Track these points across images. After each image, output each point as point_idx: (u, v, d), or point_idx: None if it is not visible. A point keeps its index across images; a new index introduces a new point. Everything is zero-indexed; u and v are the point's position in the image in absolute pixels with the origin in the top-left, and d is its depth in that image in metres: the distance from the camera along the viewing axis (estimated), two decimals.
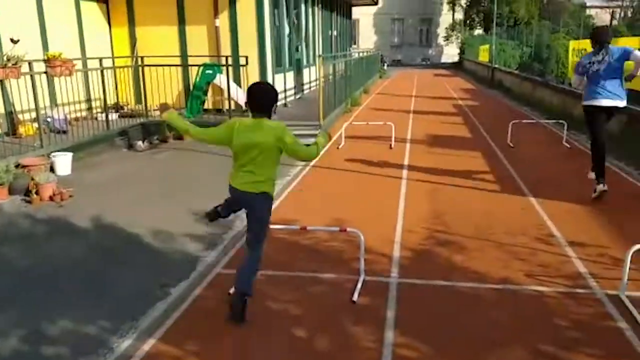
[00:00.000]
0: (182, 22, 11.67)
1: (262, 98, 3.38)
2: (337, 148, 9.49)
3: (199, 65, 11.03)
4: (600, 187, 5.99)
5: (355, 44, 37.14)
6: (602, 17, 49.71)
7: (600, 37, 5.98)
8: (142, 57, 10.97)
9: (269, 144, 3.32)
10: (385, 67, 32.60)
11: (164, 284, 4.15)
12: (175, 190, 6.93)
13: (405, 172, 7.67)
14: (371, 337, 3.33)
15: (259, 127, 3.33)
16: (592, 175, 6.34)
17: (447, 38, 41.34)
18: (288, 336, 3.38)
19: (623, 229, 5.18)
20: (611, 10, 50.75)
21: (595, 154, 6.19)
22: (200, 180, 7.52)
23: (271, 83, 12.01)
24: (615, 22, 46.52)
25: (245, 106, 4.62)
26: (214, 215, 3.92)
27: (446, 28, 41.38)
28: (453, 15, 41.30)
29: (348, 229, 4.32)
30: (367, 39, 39.48)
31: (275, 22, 12.61)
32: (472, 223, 5.42)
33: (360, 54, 22.01)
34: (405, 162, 8.29)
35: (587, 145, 9.17)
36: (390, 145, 9.46)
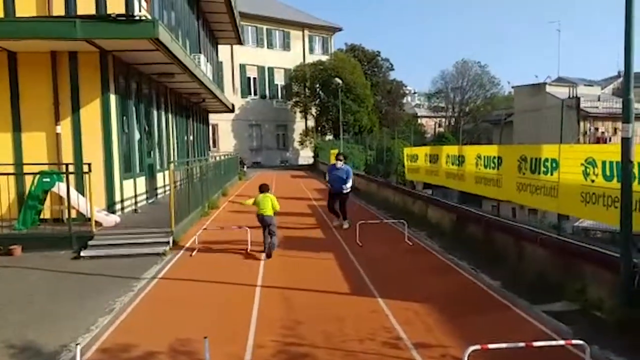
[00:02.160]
0: (17, 128, 10.81)
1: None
2: (190, 256, 9.09)
3: (35, 173, 10.11)
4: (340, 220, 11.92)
5: (215, 147, 37.59)
6: (430, 125, 57.20)
7: (339, 156, 12.28)
8: None
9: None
10: (245, 169, 33.18)
11: None
12: None
13: (260, 279, 7.53)
14: None
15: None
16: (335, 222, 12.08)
17: (301, 142, 43.89)
18: None
19: (462, 326, 5.52)
20: (438, 119, 58.78)
21: (332, 212, 12.24)
22: (23, 303, 6.55)
23: (118, 189, 11.46)
24: (441, 129, 53.70)
25: None
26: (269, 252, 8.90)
27: (300, 134, 44.09)
28: (306, 122, 44.36)
29: None
30: (227, 143, 40.27)
31: (124, 128, 12.27)
32: (324, 331, 5.37)
33: (219, 157, 22.19)
34: (261, 268, 8.18)
35: (426, 241, 10.04)
36: (247, 249, 9.33)
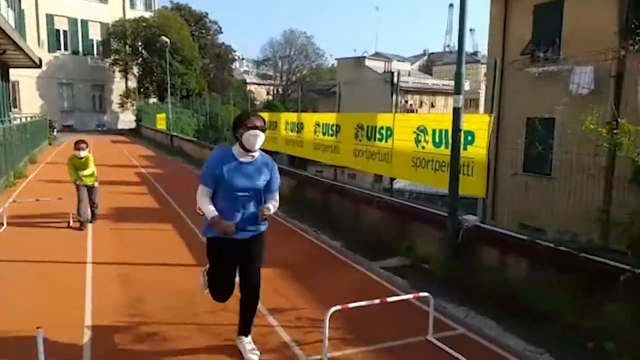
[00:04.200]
0: None
1: None
2: None
3: None
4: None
5: (16, 107, 32.45)
6: (260, 92, 57.57)
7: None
8: None
9: None
10: (55, 133, 29.41)
11: None
12: None
13: (89, 255, 6.70)
14: None
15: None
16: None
17: (122, 105, 40.43)
18: None
19: (312, 287, 5.63)
20: (267, 87, 59.38)
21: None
22: None
23: None
24: (270, 97, 54.45)
25: None
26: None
27: (120, 95, 40.51)
28: (126, 83, 40.86)
29: None
30: (31, 103, 34.94)
31: None
32: (171, 306, 4.99)
33: (24, 120, 19.19)
34: (89, 243, 7.29)
35: None
36: (69, 223, 8.23)
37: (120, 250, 7.00)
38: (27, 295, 5.28)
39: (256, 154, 3.72)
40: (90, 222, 8.30)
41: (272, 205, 3.75)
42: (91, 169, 8.21)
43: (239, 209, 3.72)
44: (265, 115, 14.32)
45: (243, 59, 66.44)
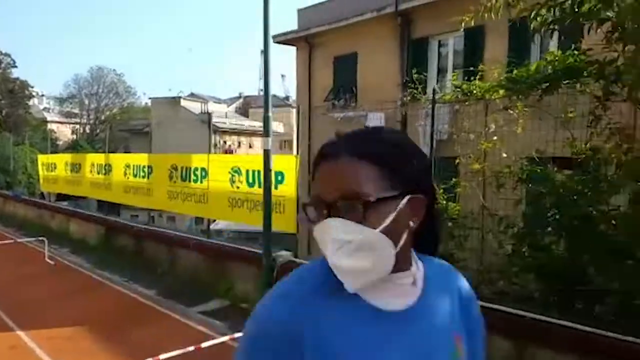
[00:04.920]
0: None
1: None
2: None
3: None
4: None
5: None
6: (63, 131, 52.49)
7: None
8: None
9: None
10: None
11: None
12: None
13: None
14: None
15: None
16: None
17: None
18: None
19: (122, 342, 5.21)
20: (72, 126, 54.46)
21: None
22: None
23: None
24: (75, 137, 49.98)
25: None
26: None
27: None
28: None
29: None
30: None
31: None
32: None
33: None
34: None
35: (71, 259, 9.10)
36: None
37: None
38: None
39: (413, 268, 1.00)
40: None
41: None
42: None
43: None
44: (68, 157, 13.15)
45: (43, 95, 59.97)
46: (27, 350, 5.01)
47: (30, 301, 6.61)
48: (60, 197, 14.56)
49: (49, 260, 8.83)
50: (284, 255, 6.18)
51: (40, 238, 9.39)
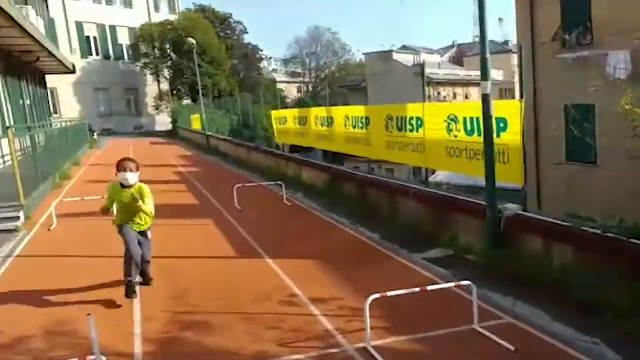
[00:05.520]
0: None
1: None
2: (49, 230, 8.10)
3: None
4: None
5: (56, 113, 33.68)
6: (290, 90, 57.87)
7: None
8: None
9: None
10: (95, 137, 30.39)
11: None
12: None
13: None
14: None
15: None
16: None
17: (157, 107, 41.32)
18: None
19: (353, 278, 5.64)
20: (297, 85, 59.65)
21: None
22: None
23: None
24: (300, 95, 54.67)
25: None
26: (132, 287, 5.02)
27: (154, 98, 41.42)
28: (159, 86, 41.70)
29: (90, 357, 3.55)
30: (70, 108, 36.18)
31: None
32: (216, 297, 5.16)
33: (64, 124, 19.93)
34: None
35: (304, 202, 10.17)
36: (114, 221, 8.54)
37: (164, 244, 7.21)
38: (77, 285, 5.53)
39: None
40: (145, 284, 5.49)
41: None
42: (147, 206, 5.17)
43: None
44: (294, 112, 14.48)
45: (271, 58, 66.80)
46: (275, 276, 5.84)
47: (274, 235, 7.66)
48: (293, 149, 16.24)
49: (286, 202, 10.07)
50: (511, 208, 5.86)
51: (278, 183, 10.74)
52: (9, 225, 8.13)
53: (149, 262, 5.51)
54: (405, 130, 8.31)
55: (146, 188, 5.20)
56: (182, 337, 4.27)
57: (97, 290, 5.47)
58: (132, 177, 5.08)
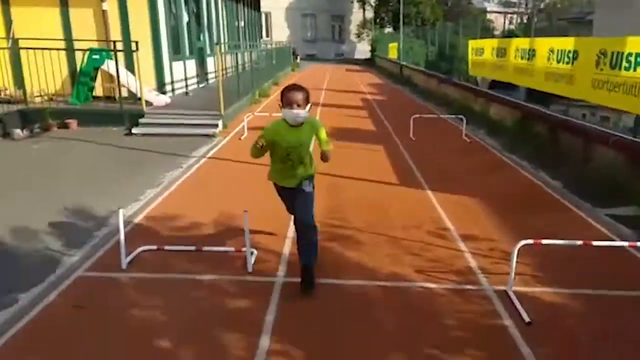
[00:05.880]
0: (64, 4, 10.68)
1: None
2: (240, 139, 9.04)
3: (85, 50, 10.07)
4: None
5: (267, 36, 36.63)
6: (501, 21, 53.06)
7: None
8: (18, 39, 9.82)
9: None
10: (298, 61, 32.39)
11: (11, 290, 3.56)
12: (47, 183, 6.15)
13: None
14: (244, 344, 2.97)
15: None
16: None
17: (358, 35, 41.95)
18: (150, 347, 2.93)
19: (514, 222, 5.20)
20: (509, 15, 54.32)
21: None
22: (79, 173, 6.76)
23: (168, 70, 11.35)
24: (511, 27, 49.77)
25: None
26: None
27: (357, 25, 41.98)
28: (364, 13, 41.98)
29: (243, 249, 4.00)
30: (279, 33, 39.02)
31: (172, 8, 11.91)
32: (369, 217, 5.23)
33: (271, 46, 21.56)
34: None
35: (486, 139, 9.50)
36: (269, 175, 9.17)
37: (332, 164, 7.49)
38: (249, 187, 6.08)
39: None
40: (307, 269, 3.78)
41: None
42: (329, 145, 3.88)
43: None
44: (492, 42, 13.25)
45: None
46: (430, 207, 5.66)
47: (440, 169, 7.35)
48: (491, 86, 15.04)
49: (465, 138, 9.51)
50: None
51: (459, 116, 10.15)
52: (209, 130, 9.32)
53: (315, 228, 3.98)
54: (620, 68, 6.98)
55: (319, 123, 3.86)
56: (326, 246, 4.45)
57: (263, 194, 5.95)
58: (304, 114, 3.60)
